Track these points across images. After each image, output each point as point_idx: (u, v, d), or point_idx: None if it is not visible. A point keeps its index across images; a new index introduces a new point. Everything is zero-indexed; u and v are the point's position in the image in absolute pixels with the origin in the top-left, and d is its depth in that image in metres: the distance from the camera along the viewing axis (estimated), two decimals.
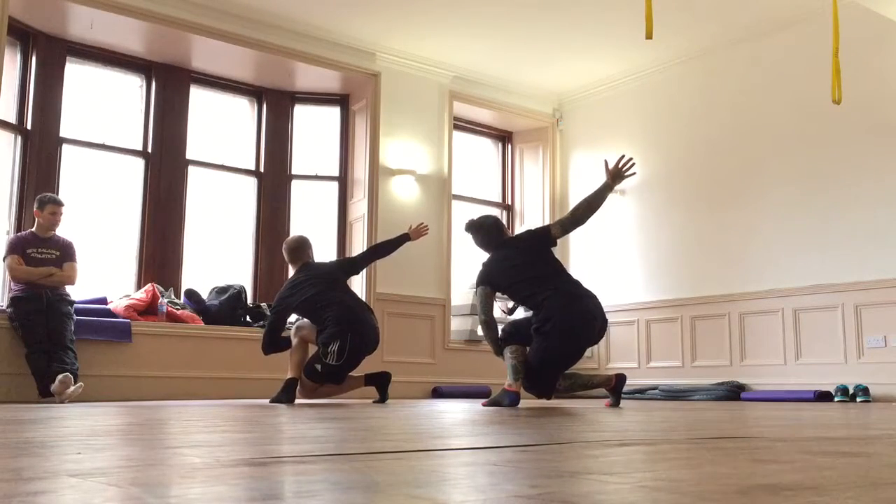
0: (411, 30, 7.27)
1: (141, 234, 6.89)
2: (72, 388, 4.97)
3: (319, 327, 5.18)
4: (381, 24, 7.15)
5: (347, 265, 5.75)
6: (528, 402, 5.29)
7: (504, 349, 4.76)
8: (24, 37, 6.46)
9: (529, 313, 4.88)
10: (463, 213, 8.24)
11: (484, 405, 4.65)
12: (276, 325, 5.34)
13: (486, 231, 5.01)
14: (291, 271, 5.55)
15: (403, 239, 5.61)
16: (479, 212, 8.05)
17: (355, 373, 5.34)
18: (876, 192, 6.36)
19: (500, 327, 4.93)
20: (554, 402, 5.39)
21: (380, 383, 5.38)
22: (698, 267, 7.44)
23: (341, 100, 7.94)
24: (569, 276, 4.89)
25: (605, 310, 4.86)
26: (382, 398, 5.33)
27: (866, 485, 1.14)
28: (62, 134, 6.57)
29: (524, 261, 4.80)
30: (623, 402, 5.38)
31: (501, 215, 8.67)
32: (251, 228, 7.49)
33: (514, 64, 7.97)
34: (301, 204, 7.70)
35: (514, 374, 4.67)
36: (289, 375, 5.19)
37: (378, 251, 5.74)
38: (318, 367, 5.09)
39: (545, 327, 4.56)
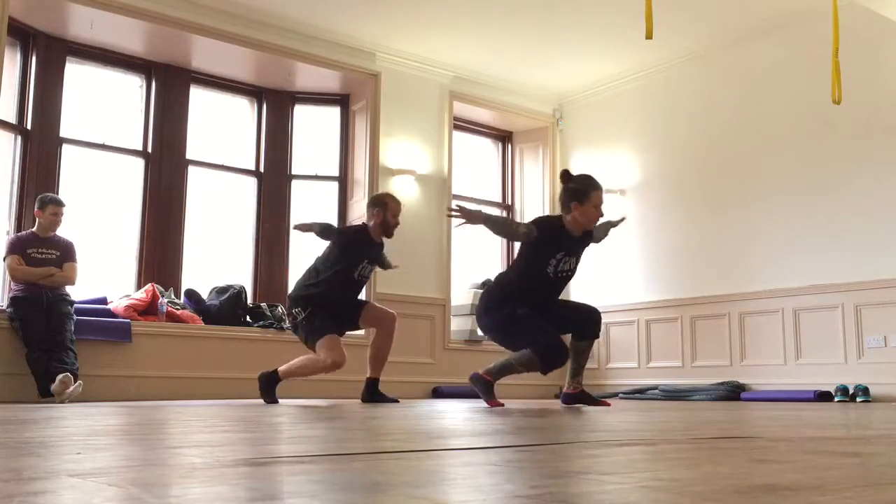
0: (411, 30, 7.26)
1: (141, 234, 6.89)
2: (72, 387, 4.97)
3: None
4: (381, 24, 7.14)
5: None
6: (528, 402, 5.29)
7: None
8: (24, 37, 6.46)
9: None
10: None
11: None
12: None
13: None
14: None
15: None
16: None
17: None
18: (876, 192, 6.35)
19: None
20: (554, 403, 5.39)
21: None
22: (698, 267, 7.43)
23: (341, 100, 7.94)
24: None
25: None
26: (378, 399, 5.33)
27: (866, 485, 1.14)
28: (62, 134, 6.57)
29: None
30: (623, 403, 5.37)
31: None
32: (251, 228, 7.49)
33: (514, 64, 7.96)
34: (301, 204, 7.70)
35: (526, 364, 4.63)
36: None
37: None
38: None
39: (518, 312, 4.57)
